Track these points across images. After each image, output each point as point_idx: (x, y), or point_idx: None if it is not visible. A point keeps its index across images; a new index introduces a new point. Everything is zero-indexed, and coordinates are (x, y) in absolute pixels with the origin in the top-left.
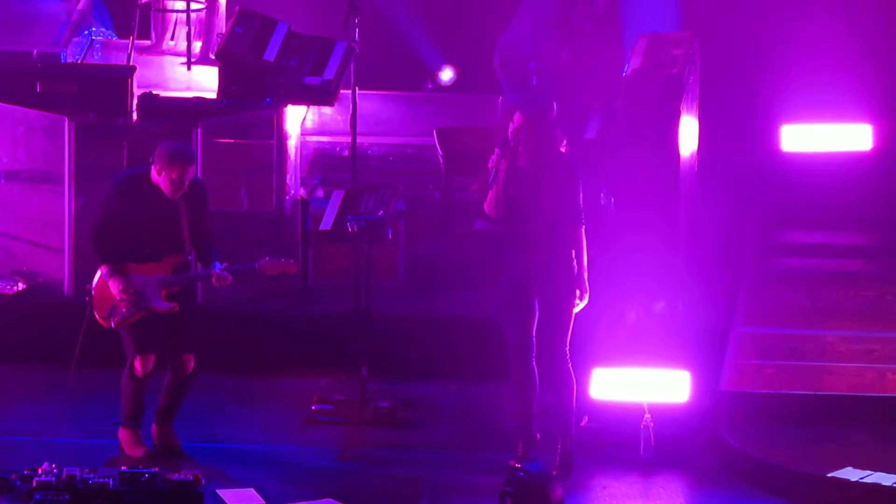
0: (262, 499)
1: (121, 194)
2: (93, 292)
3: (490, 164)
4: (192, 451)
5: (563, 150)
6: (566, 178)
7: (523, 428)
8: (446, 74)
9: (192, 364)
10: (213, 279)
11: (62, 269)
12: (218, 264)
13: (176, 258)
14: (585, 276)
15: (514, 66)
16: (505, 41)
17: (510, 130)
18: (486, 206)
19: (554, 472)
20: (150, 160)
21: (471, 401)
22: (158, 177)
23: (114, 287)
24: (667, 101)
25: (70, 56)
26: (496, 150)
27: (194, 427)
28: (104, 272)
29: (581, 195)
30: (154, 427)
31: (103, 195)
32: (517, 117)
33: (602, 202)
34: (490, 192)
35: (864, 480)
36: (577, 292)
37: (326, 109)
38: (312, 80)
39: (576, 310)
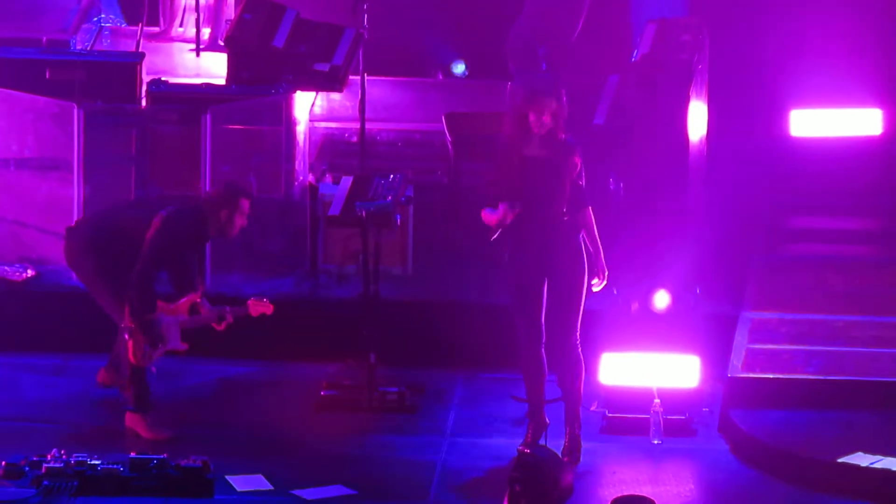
0: (271, 485)
1: (176, 235)
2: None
3: (497, 217)
4: (201, 438)
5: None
6: (573, 161)
7: (533, 413)
8: (458, 68)
9: None
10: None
11: None
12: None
13: (192, 298)
14: (602, 255)
15: (526, 55)
16: (518, 29)
17: (542, 115)
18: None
19: (564, 458)
20: (208, 197)
21: (479, 386)
22: (223, 215)
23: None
24: (676, 87)
25: (79, 43)
26: (505, 205)
27: (203, 413)
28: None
29: (584, 176)
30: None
31: (156, 235)
32: (543, 104)
33: (611, 187)
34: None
35: (874, 466)
36: (597, 273)
37: (335, 95)
38: (321, 67)
39: (596, 289)
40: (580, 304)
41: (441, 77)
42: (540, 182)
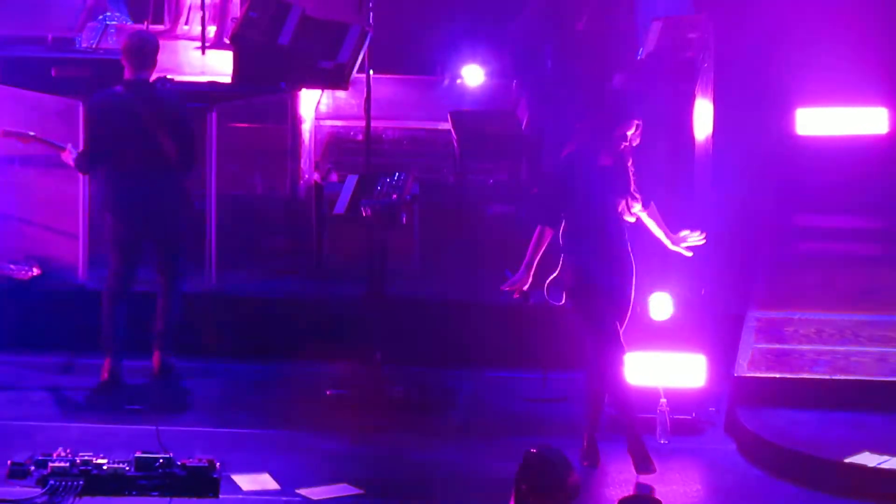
0: (277, 484)
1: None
2: None
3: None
4: (207, 436)
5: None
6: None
7: (593, 421)
8: (469, 73)
9: None
10: None
11: (76, 255)
12: None
13: None
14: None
15: (530, 52)
16: (520, 26)
17: (627, 134)
18: None
19: (584, 463)
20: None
21: (485, 385)
22: None
23: None
24: (681, 85)
25: (85, 41)
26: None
27: (209, 412)
28: None
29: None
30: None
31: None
32: (630, 125)
33: None
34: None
35: (881, 466)
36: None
37: (340, 93)
38: (326, 64)
39: None
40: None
41: (449, 81)
42: (613, 189)
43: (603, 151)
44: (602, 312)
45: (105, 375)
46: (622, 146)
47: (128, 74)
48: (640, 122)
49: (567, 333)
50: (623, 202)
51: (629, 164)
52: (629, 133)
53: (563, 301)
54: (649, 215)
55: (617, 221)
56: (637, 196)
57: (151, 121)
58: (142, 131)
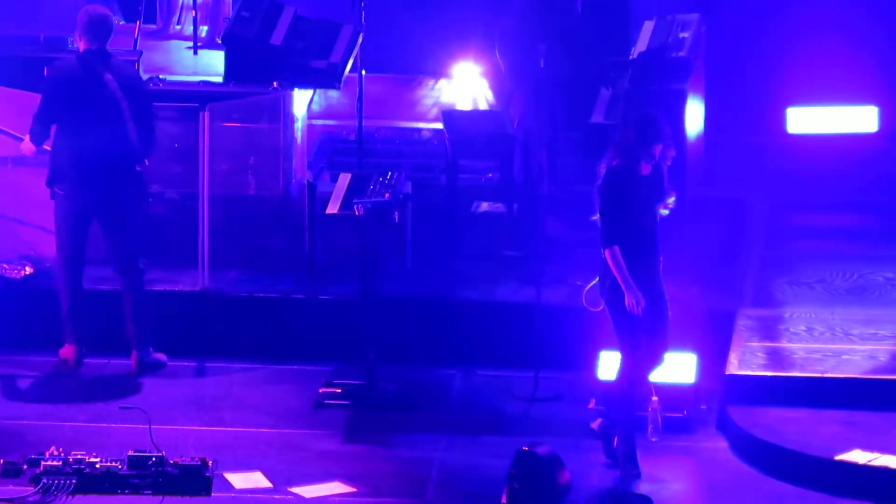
0: (270, 482)
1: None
2: None
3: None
4: (200, 436)
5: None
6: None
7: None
8: (461, 72)
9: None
10: None
11: None
12: None
13: None
14: None
15: (522, 51)
16: (505, 26)
17: (655, 153)
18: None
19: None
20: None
21: (477, 384)
22: None
23: None
24: (673, 84)
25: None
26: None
27: (201, 411)
28: None
29: None
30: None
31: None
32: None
33: None
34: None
35: (871, 463)
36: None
37: (333, 93)
38: (319, 64)
39: None
40: None
41: (441, 80)
42: (655, 197)
43: (641, 162)
44: (643, 316)
45: (72, 361)
46: (655, 158)
47: (86, 45)
48: (666, 145)
49: (560, 333)
50: (662, 206)
51: (664, 169)
52: (657, 152)
53: (601, 307)
54: None
55: (658, 229)
56: (671, 192)
57: (112, 85)
58: (104, 97)
